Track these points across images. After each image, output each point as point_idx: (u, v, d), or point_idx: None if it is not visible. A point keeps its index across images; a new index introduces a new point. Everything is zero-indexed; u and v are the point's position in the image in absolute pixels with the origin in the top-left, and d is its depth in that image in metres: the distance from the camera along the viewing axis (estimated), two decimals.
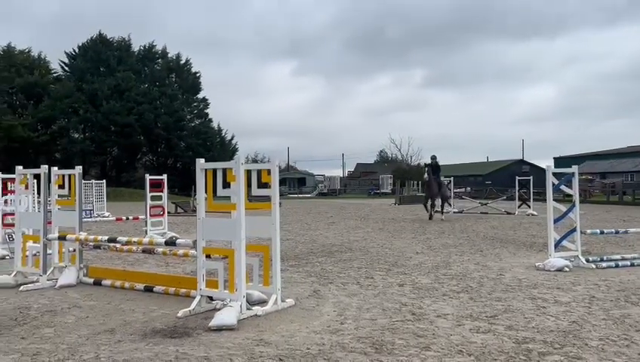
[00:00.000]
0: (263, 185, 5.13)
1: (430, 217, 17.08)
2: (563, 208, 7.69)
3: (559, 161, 60.37)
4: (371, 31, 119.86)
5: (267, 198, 5.07)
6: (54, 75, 56.24)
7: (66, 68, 56.65)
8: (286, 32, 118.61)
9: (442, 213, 17.46)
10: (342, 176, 77.05)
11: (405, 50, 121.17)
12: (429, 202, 17.38)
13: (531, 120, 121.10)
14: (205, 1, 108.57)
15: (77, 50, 56.55)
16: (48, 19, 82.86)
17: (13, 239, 8.66)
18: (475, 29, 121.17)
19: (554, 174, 7.72)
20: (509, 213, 20.12)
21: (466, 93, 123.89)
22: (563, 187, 7.93)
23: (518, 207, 20.89)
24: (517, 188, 21.74)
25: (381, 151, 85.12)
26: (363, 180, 71.50)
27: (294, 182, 71.70)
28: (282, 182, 66.81)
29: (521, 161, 73.37)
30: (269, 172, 5.04)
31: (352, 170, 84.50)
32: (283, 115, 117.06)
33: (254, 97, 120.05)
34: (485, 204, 22.30)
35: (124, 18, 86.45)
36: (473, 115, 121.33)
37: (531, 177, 22.13)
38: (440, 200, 17.64)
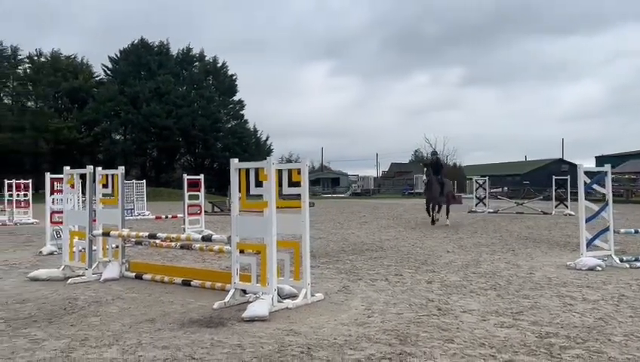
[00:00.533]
0: (293, 184, 5.35)
1: (432, 222, 14.88)
2: (595, 207, 7.63)
3: (601, 160, 58.46)
4: (409, 29, 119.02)
5: (297, 197, 5.29)
6: (98, 79, 58.23)
7: (109, 72, 58.57)
8: (323, 32, 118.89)
9: (447, 217, 15.28)
10: (376, 176, 76.80)
11: (443, 48, 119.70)
12: (431, 205, 15.06)
13: (572, 118, 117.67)
14: (244, 3, 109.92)
15: (119, 55, 58.40)
16: (93, 26, 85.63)
17: (61, 236, 9.20)
18: (514, 26, 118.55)
19: (588, 173, 7.66)
20: (545, 213, 19.79)
21: (504, 91, 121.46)
22: (596, 186, 7.86)
23: (555, 206, 20.52)
24: (554, 187, 21.34)
25: (416, 151, 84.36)
26: (397, 180, 71.10)
27: (328, 182, 71.93)
28: (316, 182, 67.18)
29: (561, 161, 71.45)
30: (299, 171, 5.26)
31: (386, 169, 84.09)
32: (318, 115, 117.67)
33: (290, 98, 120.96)
34: (521, 204, 21.97)
35: (165, 23, 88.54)
36: (511, 113, 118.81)
37: (568, 177, 21.68)
38: (445, 203, 15.41)
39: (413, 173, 65.89)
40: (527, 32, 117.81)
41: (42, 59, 54.93)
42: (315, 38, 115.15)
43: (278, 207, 5.16)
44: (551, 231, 13.28)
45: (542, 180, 44.56)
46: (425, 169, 15.31)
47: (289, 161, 62.93)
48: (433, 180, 14.72)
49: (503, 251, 9.31)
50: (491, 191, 23.96)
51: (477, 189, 22.71)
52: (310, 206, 5.64)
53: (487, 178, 22.44)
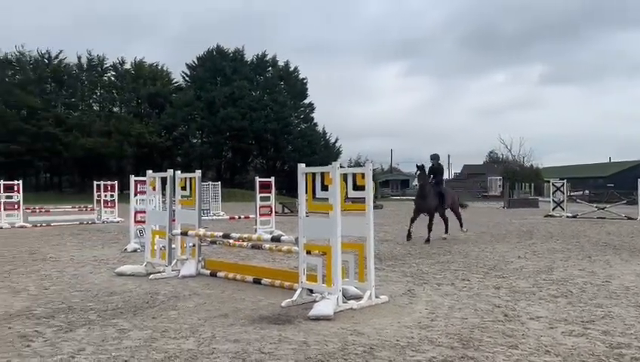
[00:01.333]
0: (358, 187, 5.49)
1: (409, 236, 11.75)
2: None
3: None
4: (487, 28, 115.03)
5: (362, 200, 5.42)
6: (176, 84, 61.25)
7: (187, 78, 61.44)
8: (397, 33, 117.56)
9: (462, 228, 12.84)
10: (448, 178, 75.16)
11: (522, 45, 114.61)
12: (417, 215, 12.06)
13: None
14: (317, 7, 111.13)
15: (196, 62, 61.11)
16: (176, 35, 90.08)
17: (144, 234, 9.88)
18: (600, 21, 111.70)
19: None
20: (630, 218, 18.59)
21: (588, 89, 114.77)
22: None
23: None
24: None
25: (490, 152, 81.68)
26: (470, 182, 69.19)
27: (397, 183, 71.22)
28: (385, 183, 66.74)
29: None
30: (363, 175, 5.40)
31: (459, 171, 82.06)
32: (388, 116, 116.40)
33: (361, 100, 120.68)
34: (603, 208, 20.76)
35: (241, 29, 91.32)
36: (595, 112, 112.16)
37: None
38: (447, 212, 12.66)
39: (486, 176, 63.89)
40: (614, 27, 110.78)
41: (126, 67, 58.55)
42: (387, 39, 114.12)
43: (343, 210, 5.32)
44: (634, 237, 12.52)
45: (627, 183, 41.66)
46: (417, 172, 11.93)
47: (358, 163, 62.90)
48: (428, 187, 11.85)
49: (578, 258, 8.94)
50: (571, 194, 22.81)
51: (554, 192, 21.72)
52: (378, 208, 5.78)
53: (565, 181, 21.40)
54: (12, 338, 4.27)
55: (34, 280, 7.04)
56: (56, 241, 12.22)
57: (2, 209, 16.73)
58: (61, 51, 55.73)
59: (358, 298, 5.42)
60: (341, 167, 5.46)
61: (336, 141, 64.19)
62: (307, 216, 5.65)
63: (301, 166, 5.69)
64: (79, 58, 56.63)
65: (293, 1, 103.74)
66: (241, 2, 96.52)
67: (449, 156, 79.85)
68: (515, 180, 51.93)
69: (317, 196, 5.56)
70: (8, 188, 17.20)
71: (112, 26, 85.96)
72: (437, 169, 12.36)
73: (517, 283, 6.66)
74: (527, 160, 67.35)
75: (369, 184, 5.34)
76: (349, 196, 5.65)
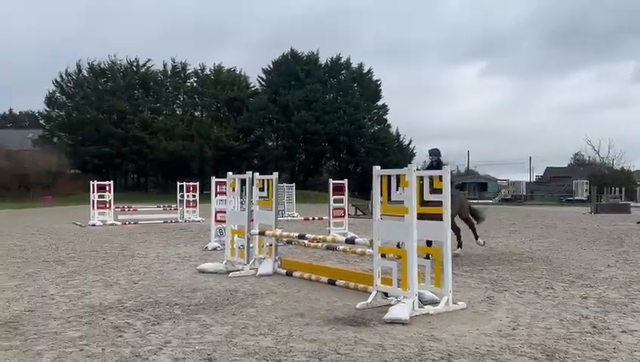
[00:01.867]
0: (435, 190, 5.40)
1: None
2: None
3: None
4: (573, 24, 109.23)
5: (439, 203, 5.32)
6: (253, 89, 63.12)
7: (263, 82, 63.13)
8: (476, 31, 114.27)
9: (477, 239, 10.48)
10: (528, 181, 71.81)
11: (613, 42, 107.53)
12: None
13: None
14: (393, 7, 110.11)
15: (271, 67, 62.65)
16: (255, 40, 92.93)
17: (223, 233, 10.25)
18: None
19: None
20: None
21: None
22: None
23: None
24: None
25: (576, 154, 77.06)
26: (553, 186, 65.70)
27: (474, 186, 69.03)
28: (461, 186, 64.84)
29: None
30: (440, 178, 5.30)
31: (541, 174, 78.14)
32: (465, 117, 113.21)
33: (437, 100, 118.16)
34: None
35: (316, 33, 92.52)
36: None
37: None
38: (457, 221, 10.06)
39: (572, 179, 60.39)
40: None
41: (206, 73, 61.16)
42: (465, 38, 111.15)
43: (419, 213, 5.25)
44: None
45: None
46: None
47: (431, 165, 61.78)
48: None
49: None
50: None
51: None
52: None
53: None
54: (106, 329, 4.59)
55: (124, 274, 7.52)
56: (143, 239, 12.98)
57: (95, 207, 18.02)
58: (149, 60, 59.34)
59: (434, 303, 5.32)
60: (417, 169, 5.39)
61: (410, 143, 63.39)
62: (382, 219, 5.62)
63: (376, 168, 5.68)
64: (164, 65, 59.96)
65: (368, 2, 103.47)
66: (318, 6, 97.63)
67: (530, 158, 76.38)
68: (603, 184, 48.67)
69: (392, 199, 5.52)
70: (101, 188, 18.50)
71: (194, 35, 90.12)
72: (437, 167, 10.19)
73: (607, 293, 6.25)
74: (617, 162, 63.02)
75: (447, 187, 5.23)
76: (425, 199, 5.56)
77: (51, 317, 4.98)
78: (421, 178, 5.42)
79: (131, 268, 8.08)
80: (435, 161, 9.83)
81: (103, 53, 76.46)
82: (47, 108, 57.59)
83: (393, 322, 4.75)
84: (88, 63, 57.25)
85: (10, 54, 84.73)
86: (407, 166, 5.36)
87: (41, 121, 59.89)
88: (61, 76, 56.83)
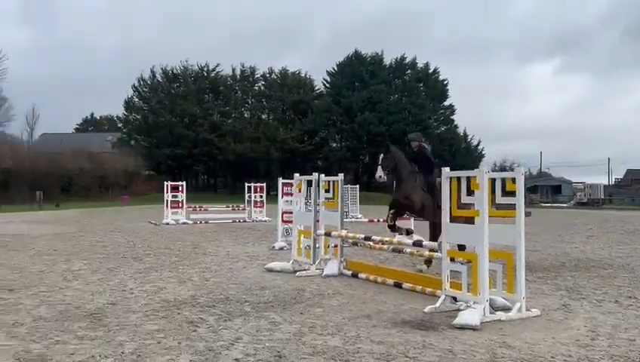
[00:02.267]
0: (507, 193, 5.22)
1: (392, 228, 8.18)
2: None
3: None
4: None
5: (512, 207, 5.15)
6: (317, 91, 63.70)
7: (327, 85, 63.55)
8: (550, 28, 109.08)
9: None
10: (607, 183, 67.68)
11: None
12: (393, 215, 8.13)
13: None
14: (462, 4, 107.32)
15: (336, 69, 62.94)
16: (319, 43, 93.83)
17: (290, 233, 10.42)
18: None
19: None
20: None
21: None
22: None
23: None
24: None
25: None
26: (634, 189, 61.55)
27: (547, 189, 65.94)
28: (533, 189, 62.21)
29: None
30: (514, 180, 5.12)
31: (620, 177, 73.44)
32: (538, 117, 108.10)
33: (508, 99, 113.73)
34: None
35: (382, 33, 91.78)
36: None
37: None
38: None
39: None
40: None
41: (273, 77, 62.43)
42: (538, 35, 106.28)
43: (490, 217, 5.11)
44: None
45: None
46: (381, 158, 7.89)
47: (503, 167, 59.65)
48: (407, 176, 7.84)
49: None
50: None
51: None
52: (526, 216, 5.43)
53: None
54: (181, 323, 4.80)
55: (197, 271, 7.83)
56: (214, 237, 13.44)
57: (169, 207, 18.86)
58: (218, 64, 61.36)
59: (506, 309, 5.15)
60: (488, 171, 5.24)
61: (478, 144, 61.58)
62: (451, 222, 5.51)
63: (445, 170, 5.57)
64: (233, 70, 61.79)
65: (436, 0, 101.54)
66: (384, 6, 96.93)
67: (609, 160, 72.01)
68: None
69: (462, 201, 5.40)
70: (174, 189, 19.35)
71: (263, 39, 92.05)
72: (420, 153, 8.32)
73: None
74: None
75: (520, 190, 5.05)
76: (497, 202, 5.40)
77: (131, 311, 5.27)
78: (493, 180, 5.26)
79: (203, 266, 8.40)
80: (417, 148, 8.39)
81: (174, 59, 79.75)
82: (125, 113, 60.93)
83: (463, 327, 4.65)
84: (162, 69, 60.10)
85: (92, 63, 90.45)
86: (478, 168, 5.23)
87: (120, 125, 63.44)
88: (138, 81, 60.03)
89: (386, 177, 7.79)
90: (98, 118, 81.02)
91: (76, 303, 5.58)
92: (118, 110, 64.25)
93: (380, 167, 7.77)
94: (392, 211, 8.16)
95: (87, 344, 4.14)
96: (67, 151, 47.53)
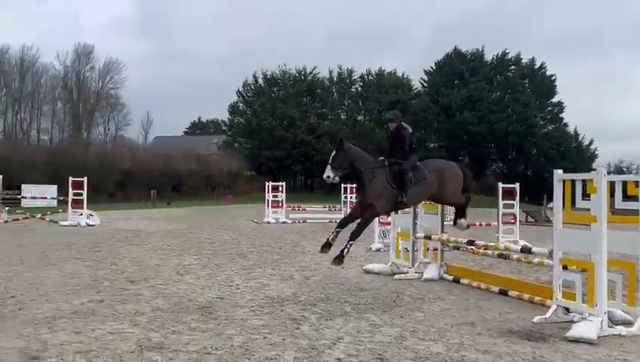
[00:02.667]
0: (629, 197, 4.80)
1: (327, 246, 6.97)
2: None
3: None
4: None
5: (634, 212, 4.72)
6: (415, 91, 62.76)
7: (425, 84, 62.38)
8: None
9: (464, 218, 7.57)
10: None
11: None
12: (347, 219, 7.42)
13: None
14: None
15: (434, 67, 61.60)
16: (416, 42, 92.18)
17: (387, 235, 10.37)
18: None
19: None
20: None
21: None
22: None
23: None
24: None
25: None
26: None
27: None
28: None
29: None
30: (636, 184, 4.70)
31: None
32: None
33: (624, 96, 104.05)
34: None
35: (483, 29, 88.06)
36: None
37: None
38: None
39: None
40: None
41: (370, 78, 62.48)
42: None
43: (609, 223, 4.72)
44: None
45: None
46: (332, 155, 6.75)
47: (619, 168, 54.82)
48: (368, 176, 6.67)
49: None
50: None
51: None
52: None
53: None
54: (285, 320, 4.96)
55: (297, 270, 8.05)
56: (312, 237, 13.73)
57: (270, 206, 19.57)
58: (315, 67, 62.59)
59: (626, 323, 4.74)
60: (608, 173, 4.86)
61: (590, 143, 57.24)
62: (564, 228, 5.17)
63: (558, 172, 5.24)
64: (330, 72, 62.70)
65: None
66: (484, 2, 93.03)
67: None
68: None
69: (577, 206, 5.04)
70: (274, 189, 20.04)
71: (361, 40, 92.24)
72: (397, 135, 7.04)
73: None
74: None
75: None
76: (616, 207, 4.98)
77: (238, 305, 5.54)
78: (612, 183, 4.86)
79: (303, 264, 8.61)
80: (395, 129, 7.07)
81: (273, 64, 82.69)
82: (230, 117, 64.27)
83: (577, 341, 4.35)
84: (263, 74, 62.52)
85: (199, 70, 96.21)
86: (594, 170, 4.86)
87: (224, 128, 66.93)
88: (243, 86, 63.01)
89: (337, 178, 6.72)
90: (205, 121, 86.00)
91: (188, 296, 5.98)
92: (222, 114, 67.85)
93: (328, 166, 6.63)
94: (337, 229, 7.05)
95: (200, 335, 4.41)
96: (178, 153, 51.03)
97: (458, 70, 58.37)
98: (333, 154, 6.69)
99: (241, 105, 63.56)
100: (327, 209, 22.40)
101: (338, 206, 22.14)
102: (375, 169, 6.71)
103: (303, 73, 62.89)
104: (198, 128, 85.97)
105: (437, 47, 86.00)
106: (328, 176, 6.67)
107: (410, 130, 7.12)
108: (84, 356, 3.83)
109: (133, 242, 11.79)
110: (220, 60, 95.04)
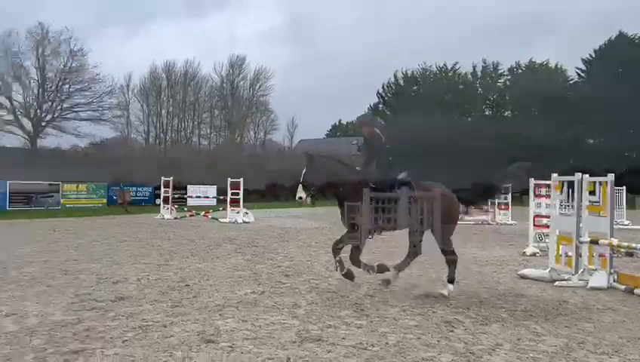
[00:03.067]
0: None
1: (347, 276, 6.27)
2: None
3: None
4: None
5: None
6: (571, 82, 57.47)
7: (582, 74, 56.76)
8: None
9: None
10: None
11: None
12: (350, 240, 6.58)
13: None
14: None
15: (593, 55, 55.76)
16: (571, 30, 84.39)
17: (543, 239, 9.67)
18: None
19: None
20: None
21: None
22: None
23: None
24: None
25: None
26: None
27: None
28: None
29: None
30: None
31: None
32: None
33: None
34: None
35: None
36: None
37: None
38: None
39: None
40: None
41: (519, 72, 58.67)
42: None
43: None
44: None
45: None
46: (303, 173, 6.11)
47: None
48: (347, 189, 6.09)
49: None
50: None
51: None
52: None
53: None
54: (438, 322, 4.89)
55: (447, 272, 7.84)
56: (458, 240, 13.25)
57: None
58: (456, 62, 60.53)
59: None
60: None
61: None
62: None
63: None
64: (474, 67, 60.15)
65: None
66: None
67: None
68: None
69: None
70: None
71: (509, 32, 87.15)
72: (372, 141, 6.34)
73: None
74: None
75: None
76: None
77: (389, 304, 5.58)
78: None
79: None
80: (368, 135, 6.36)
81: (414, 62, 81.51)
82: None
83: None
84: (403, 73, 62.08)
85: (339, 72, 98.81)
86: None
87: None
88: (383, 87, 63.32)
89: (309, 198, 6.06)
90: (345, 123, 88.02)
91: (340, 292, 6.18)
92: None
93: (300, 186, 6.00)
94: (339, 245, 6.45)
95: (354, 331, 4.54)
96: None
97: (623, 57, 52.09)
98: (304, 171, 6.10)
99: (380, 106, 63.85)
100: (472, 209, 21.45)
101: (485, 207, 21.10)
102: (355, 185, 6.06)
103: (443, 69, 61.23)
104: (339, 130, 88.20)
105: (592, 35, 77.83)
106: (300, 198, 6.06)
107: (384, 139, 6.32)
108: (251, 342, 4.17)
109: (285, 238, 12.50)
110: (359, 62, 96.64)
